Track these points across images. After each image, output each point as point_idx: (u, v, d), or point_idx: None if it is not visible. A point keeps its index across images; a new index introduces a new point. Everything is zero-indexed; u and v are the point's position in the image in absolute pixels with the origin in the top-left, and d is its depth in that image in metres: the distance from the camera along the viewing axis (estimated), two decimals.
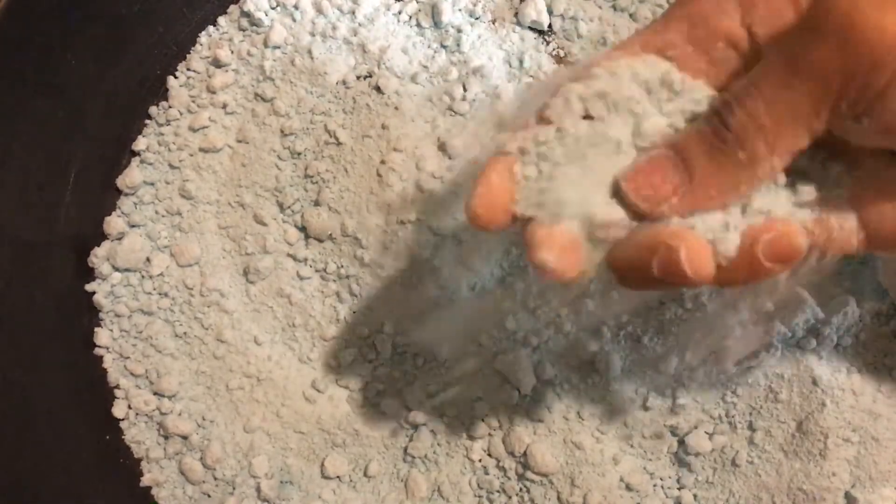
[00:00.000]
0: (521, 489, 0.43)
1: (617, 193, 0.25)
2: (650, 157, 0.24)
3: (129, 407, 0.46)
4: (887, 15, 0.20)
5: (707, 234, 0.25)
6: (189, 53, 0.50)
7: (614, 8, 0.48)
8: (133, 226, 0.47)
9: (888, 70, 0.20)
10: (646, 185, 0.24)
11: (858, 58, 0.20)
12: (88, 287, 0.46)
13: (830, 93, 0.21)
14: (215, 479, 0.45)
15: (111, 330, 0.46)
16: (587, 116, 0.26)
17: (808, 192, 0.25)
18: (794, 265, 0.25)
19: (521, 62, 0.47)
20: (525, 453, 0.42)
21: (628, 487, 0.42)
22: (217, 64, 0.48)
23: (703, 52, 0.25)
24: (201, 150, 0.48)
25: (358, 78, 0.47)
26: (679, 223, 0.25)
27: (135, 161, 0.48)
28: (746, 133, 0.23)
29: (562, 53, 0.48)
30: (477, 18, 0.49)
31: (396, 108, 0.46)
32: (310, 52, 0.48)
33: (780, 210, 0.25)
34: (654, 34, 0.26)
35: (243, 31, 0.49)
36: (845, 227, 0.25)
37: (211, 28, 0.50)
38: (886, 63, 0.20)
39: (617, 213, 0.25)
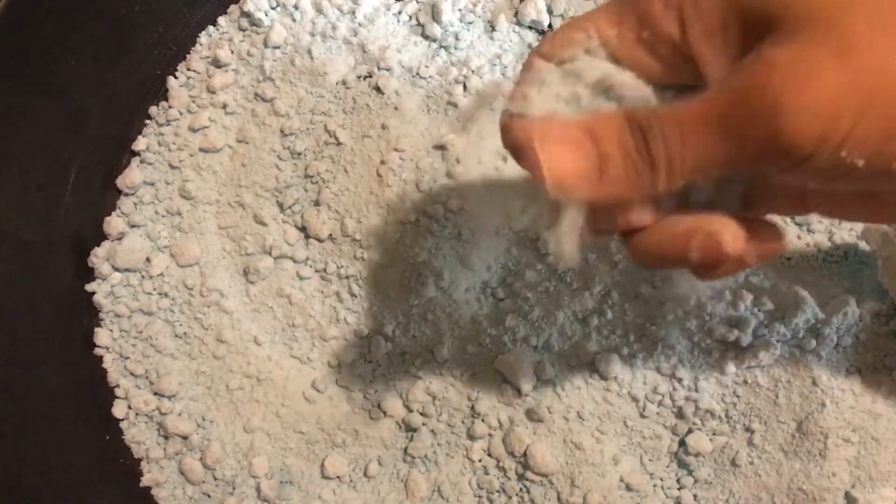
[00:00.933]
0: (520, 489, 0.43)
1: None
2: (569, 131, 0.25)
3: (129, 407, 0.46)
4: (804, 117, 0.21)
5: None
6: (189, 53, 0.50)
7: None
8: (133, 226, 0.47)
9: (795, 158, 0.22)
10: (557, 155, 0.24)
11: (772, 142, 0.22)
12: (88, 287, 0.46)
13: (742, 155, 0.23)
14: (215, 479, 0.45)
15: (111, 330, 0.46)
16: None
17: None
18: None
19: (520, 62, 0.47)
20: (525, 453, 0.42)
21: (628, 488, 0.42)
22: (217, 64, 0.48)
23: (650, 51, 0.26)
24: (201, 150, 0.48)
25: (358, 78, 0.47)
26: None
27: (135, 161, 0.48)
28: (657, 159, 0.24)
29: None
30: (477, 18, 0.49)
31: (396, 108, 0.46)
32: (310, 52, 0.48)
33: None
34: (608, 22, 0.27)
35: (243, 31, 0.49)
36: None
37: (211, 28, 0.50)
38: (796, 154, 0.22)
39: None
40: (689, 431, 0.42)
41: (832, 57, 0.21)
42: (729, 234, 0.25)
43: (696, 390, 0.42)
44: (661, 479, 0.43)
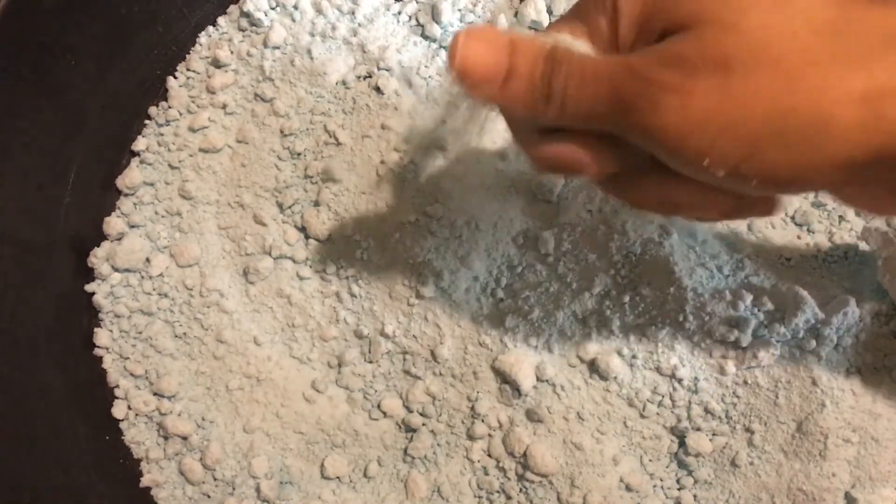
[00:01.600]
0: (520, 490, 0.43)
1: None
2: (494, 36, 0.27)
3: (129, 407, 0.46)
4: (675, 119, 0.24)
5: None
6: (189, 54, 0.50)
7: None
8: (133, 226, 0.47)
9: (664, 150, 0.25)
10: (476, 51, 0.26)
11: (647, 131, 0.25)
12: (88, 287, 0.46)
13: (624, 126, 0.25)
14: (215, 479, 0.45)
15: (111, 330, 0.46)
16: None
17: None
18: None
19: None
20: (525, 454, 0.42)
21: (628, 488, 0.42)
22: (217, 64, 0.48)
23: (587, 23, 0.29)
24: (201, 150, 0.48)
25: (357, 78, 0.47)
26: None
27: (134, 161, 0.48)
28: (555, 91, 0.26)
29: None
30: (477, 18, 0.49)
31: (396, 109, 0.46)
32: (309, 52, 0.48)
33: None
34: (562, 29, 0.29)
35: (243, 31, 0.49)
36: None
37: (210, 28, 0.50)
38: (666, 146, 0.24)
39: None
40: (689, 431, 0.42)
41: (711, 75, 0.23)
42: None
43: (696, 391, 0.42)
44: (661, 480, 0.43)
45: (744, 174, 0.24)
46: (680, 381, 0.42)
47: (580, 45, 0.28)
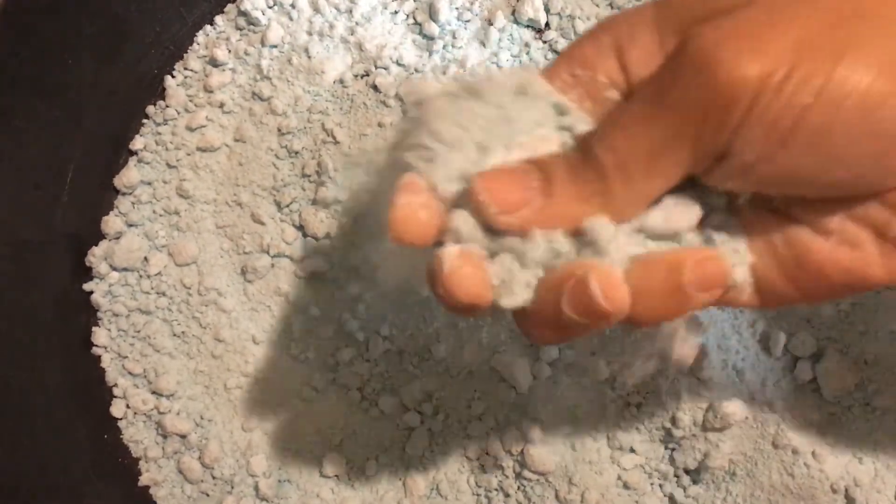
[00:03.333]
0: (518, 487, 0.43)
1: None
2: (511, 167, 0.24)
3: (128, 406, 0.46)
4: (741, 58, 0.21)
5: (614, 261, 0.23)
6: (186, 53, 0.49)
7: (611, 6, 0.48)
8: (131, 225, 0.47)
9: (740, 107, 0.21)
10: (501, 189, 0.23)
11: (714, 94, 0.21)
12: (86, 286, 0.46)
13: (689, 127, 0.22)
14: (213, 478, 0.45)
15: (109, 329, 0.46)
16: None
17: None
18: (721, 295, 0.24)
19: (518, 60, 0.47)
20: (523, 452, 0.42)
21: (626, 486, 0.42)
22: (214, 63, 0.48)
23: (588, 92, 0.25)
24: (199, 149, 0.48)
25: (355, 77, 0.47)
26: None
27: (132, 160, 0.48)
28: (605, 166, 0.23)
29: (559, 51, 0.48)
30: (475, 16, 0.49)
31: (393, 107, 0.46)
32: (307, 50, 0.48)
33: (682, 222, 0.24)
34: (547, 77, 0.26)
35: (240, 30, 0.49)
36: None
37: (208, 27, 0.50)
38: (739, 100, 0.21)
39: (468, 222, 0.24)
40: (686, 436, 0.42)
41: (766, 15, 0.21)
42: (598, 278, 0.22)
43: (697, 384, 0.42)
44: (659, 478, 0.43)
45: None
46: (678, 379, 0.42)
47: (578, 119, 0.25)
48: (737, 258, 0.25)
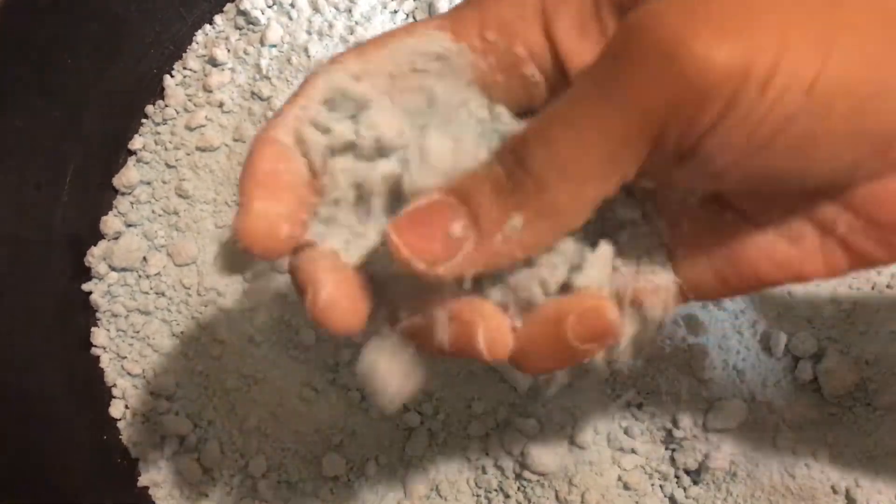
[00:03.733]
0: (518, 488, 0.43)
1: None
2: (426, 202, 0.20)
3: (127, 407, 0.46)
4: (718, 43, 0.17)
5: (506, 300, 0.21)
6: (185, 52, 0.49)
7: None
8: (130, 225, 0.47)
9: (716, 105, 0.17)
10: (420, 240, 0.19)
11: (685, 90, 0.17)
12: (85, 287, 0.46)
13: (652, 127, 0.18)
14: (213, 479, 0.45)
15: (108, 330, 0.46)
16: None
17: (619, 249, 0.22)
18: (607, 343, 0.22)
19: None
20: (523, 453, 0.42)
21: (626, 486, 0.42)
22: (213, 63, 0.48)
23: (501, 64, 0.22)
24: (198, 148, 0.48)
25: None
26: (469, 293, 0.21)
27: (131, 160, 0.48)
28: (547, 176, 0.18)
29: None
30: None
31: None
32: (306, 50, 0.48)
33: (592, 272, 0.21)
34: (454, 32, 0.22)
35: (240, 29, 0.49)
36: (661, 288, 0.23)
37: (207, 27, 0.50)
38: (714, 97, 0.17)
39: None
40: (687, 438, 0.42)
41: None
42: (486, 328, 0.20)
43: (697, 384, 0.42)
44: (659, 478, 0.43)
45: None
46: (678, 379, 0.42)
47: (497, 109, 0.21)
48: (661, 290, 0.22)
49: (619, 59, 0.18)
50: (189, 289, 0.46)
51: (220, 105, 0.48)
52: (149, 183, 0.48)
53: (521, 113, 0.23)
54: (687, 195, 0.22)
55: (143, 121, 0.49)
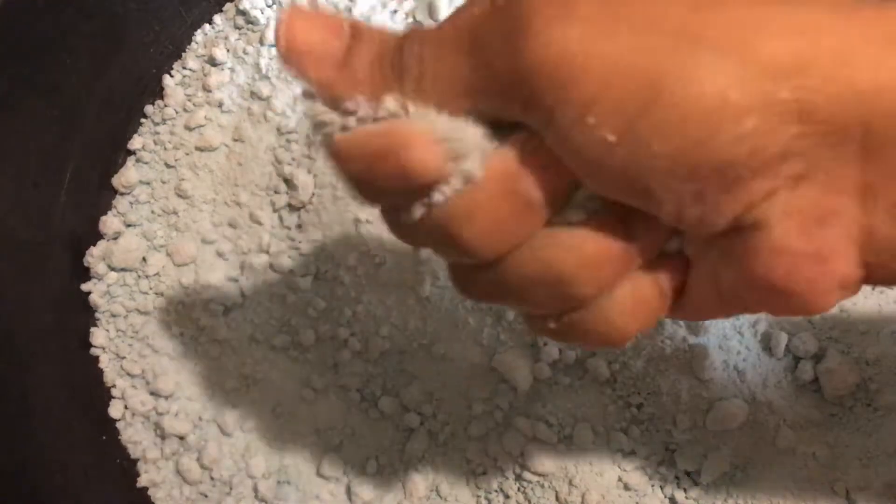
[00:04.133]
0: (518, 489, 0.43)
1: None
2: (328, 14, 0.21)
3: (126, 407, 0.46)
4: (561, 31, 0.17)
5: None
6: (185, 52, 0.49)
7: None
8: (129, 225, 0.47)
9: (549, 96, 0.17)
10: (305, 24, 0.21)
11: (517, 73, 0.17)
12: (84, 287, 0.46)
13: (493, 83, 0.18)
14: (212, 479, 0.45)
15: (107, 330, 0.46)
16: None
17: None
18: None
19: None
20: (523, 453, 0.42)
21: (626, 487, 0.42)
22: (213, 62, 0.48)
23: None
24: (197, 148, 0.47)
25: None
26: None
27: (131, 160, 0.48)
28: (408, 66, 0.20)
29: None
30: None
31: None
32: None
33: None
34: None
35: (239, 29, 0.49)
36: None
37: (207, 26, 0.50)
38: (546, 88, 0.17)
39: None
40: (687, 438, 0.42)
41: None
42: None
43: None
44: (660, 479, 0.43)
45: (643, 138, 0.17)
46: (678, 378, 0.42)
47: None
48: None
49: (481, 19, 0.19)
50: (188, 289, 0.46)
51: (220, 105, 0.48)
52: (148, 183, 0.48)
53: None
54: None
55: (143, 121, 0.49)
